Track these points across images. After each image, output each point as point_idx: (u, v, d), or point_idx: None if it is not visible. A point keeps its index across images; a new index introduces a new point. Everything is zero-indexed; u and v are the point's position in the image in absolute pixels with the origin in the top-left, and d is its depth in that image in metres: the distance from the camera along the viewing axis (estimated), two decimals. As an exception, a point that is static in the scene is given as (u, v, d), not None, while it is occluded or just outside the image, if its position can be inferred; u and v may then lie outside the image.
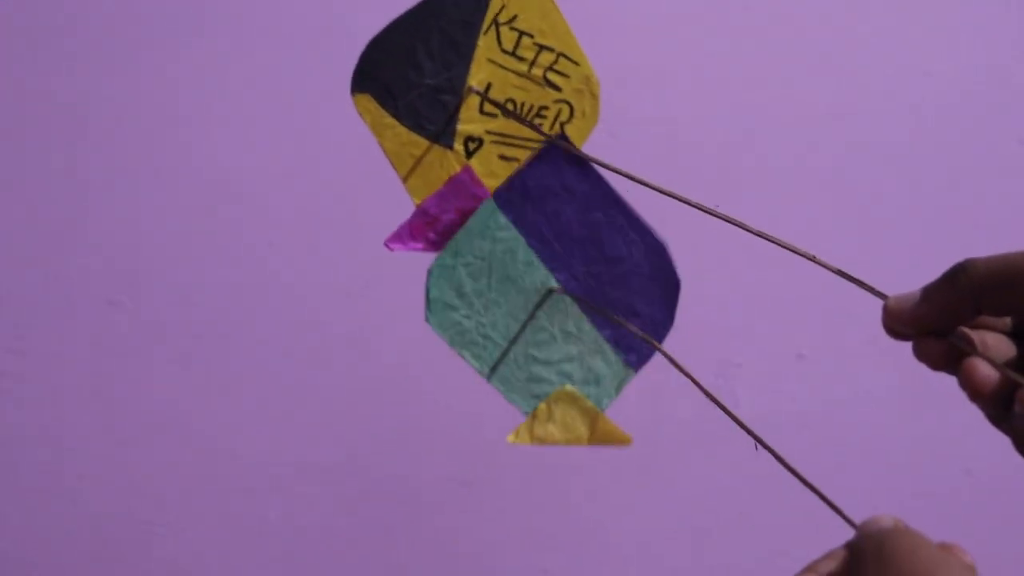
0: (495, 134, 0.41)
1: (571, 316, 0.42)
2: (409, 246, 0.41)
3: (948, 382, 0.92)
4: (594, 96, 0.40)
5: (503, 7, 0.39)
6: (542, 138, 0.40)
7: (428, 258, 0.41)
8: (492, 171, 0.41)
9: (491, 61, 0.40)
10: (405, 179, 0.41)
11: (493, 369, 0.42)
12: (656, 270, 0.41)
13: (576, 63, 0.40)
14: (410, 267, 0.81)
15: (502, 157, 0.41)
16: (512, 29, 0.39)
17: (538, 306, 0.42)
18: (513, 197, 0.41)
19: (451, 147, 0.41)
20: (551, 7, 0.39)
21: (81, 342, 0.79)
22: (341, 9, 0.77)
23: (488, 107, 0.40)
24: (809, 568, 0.34)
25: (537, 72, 0.40)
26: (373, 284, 0.80)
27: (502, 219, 0.41)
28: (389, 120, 0.40)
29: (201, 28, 0.78)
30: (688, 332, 0.83)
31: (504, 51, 0.39)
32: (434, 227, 0.41)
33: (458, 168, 0.41)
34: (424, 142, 0.40)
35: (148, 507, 0.82)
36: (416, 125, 0.40)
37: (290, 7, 0.79)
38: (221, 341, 0.80)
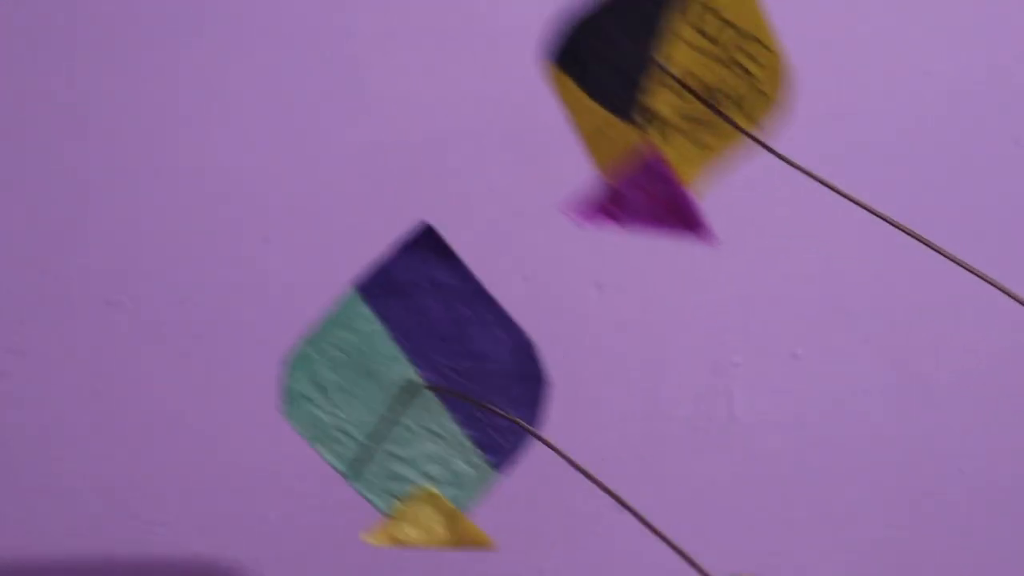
0: (685, 115, 0.41)
1: (434, 414, 0.40)
2: (592, 219, 0.41)
3: (945, 381, 0.93)
4: (782, 80, 0.40)
5: None
6: (733, 121, 0.40)
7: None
8: (681, 153, 0.41)
9: (683, 40, 0.40)
10: (592, 152, 0.41)
11: (351, 466, 0.40)
12: (522, 369, 0.40)
13: (767, 47, 0.40)
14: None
15: (691, 140, 0.41)
16: (707, 9, 0.39)
17: (401, 402, 0.40)
18: (378, 289, 0.39)
19: (640, 125, 0.41)
20: None
21: (81, 342, 0.78)
22: (341, 9, 0.78)
23: (678, 87, 0.41)
24: None
25: (724, 54, 0.40)
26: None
27: (366, 311, 0.40)
28: (580, 95, 0.40)
29: (201, 27, 0.78)
30: (683, 331, 0.83)
31: (696, 31, 0.40)
32: (619, 203, 0.41)
33: (646, 146, 0.41)
34: (614, 119, 0.41)
35: (148, 507, 0.80)
36: (604, 100, 0.41)
37: (290, 7, 0.78)
38: (221, 341, 0.79)
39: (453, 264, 0.39)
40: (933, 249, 0.41)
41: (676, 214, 0.42)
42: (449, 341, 0.40)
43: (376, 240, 0.78)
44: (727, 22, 0.40)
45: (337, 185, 0.79)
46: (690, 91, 0.41)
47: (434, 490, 0.40)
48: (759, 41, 0.40)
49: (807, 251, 0.84)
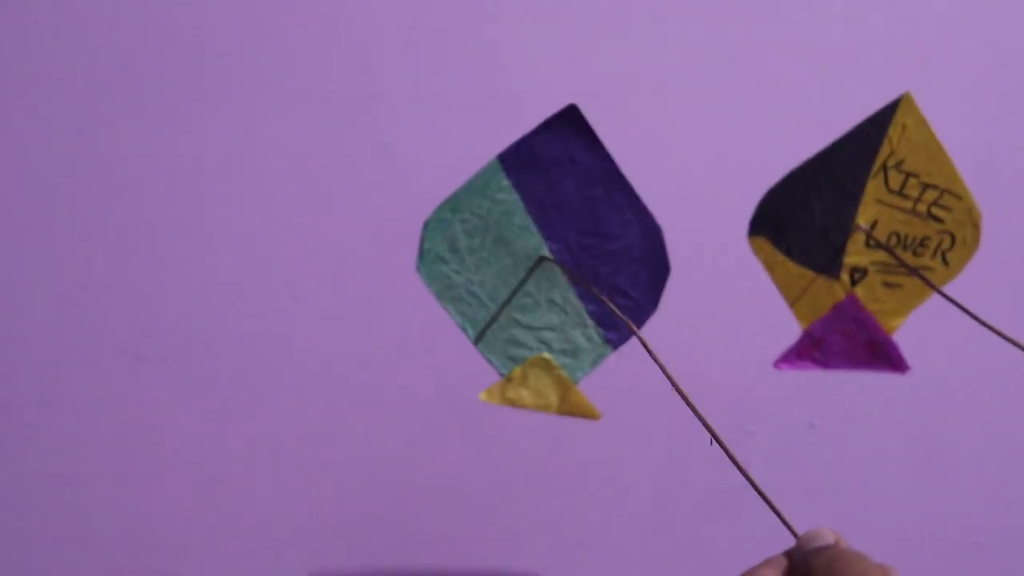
0: (879, 263, 0.45)
1: (558, 286, 0.42)
2: (797, 365, 0.46)
3: (961, 453, 0.92)
4: (975, 226, 0.44)
5: (891, 152, 0.43)
6: (927, 265, 0.45)
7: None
8: (875, 296, 0.45)
9: (878, 201, 0.44)
10: (792, 306, 0.46)
11: (475, 326, 0.42)
12: (648, 253, 0.41)
13: (959, 197, 0.44)
14: (431, 334, 0.80)
15: (885, 284, 0.45)
16: (899, 171, 0.43)
17: (529, 271, 0.42)
18: (519, 161, 0.41)
19: (837, 278, 0.45)
20: (937, 148, 0.43)
21: (107, 395, 0.81)
22: (370, 75, 0.79)
23: (879, 246, 0.45)
24: (748, 573, 0.35)
25: (922, 207, 0.44)
26: (391, 342, 0.82)
27: (504, 181, 0.42)
28: (780, 258, 0.45)
29: (231, 88, 0.79)
30: (700, 399, 0.84)
31: (891, 191, 0.44)
32: (819, 347, 0.46)
33: (842, 295, 0.45)
34: (811, 274, 0.45)
35: (170, 558, 0.84)
36: (805, 260, 0.45)
37: (322, 72, 0.79)
38: (246, 395, 0.82)
39: (593, 144, 0.41)
40: (973, 318, 0.43)
41: (875, 353, 0.46)
42: (580, 218, 0.41)
43: (402, 303, 0.79)
44: (926, 184, 0.43)
45: (364, 247, 0.80)
46: (891, 252, 0.44)
47: (550, 358, 0.42)
48: (954, 194, 0.43)
49: None
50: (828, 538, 0.35)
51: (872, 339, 0.45)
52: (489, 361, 0.42)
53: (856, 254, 0.45)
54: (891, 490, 0.86)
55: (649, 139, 0.82)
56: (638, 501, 0.86)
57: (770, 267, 0.45)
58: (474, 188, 0.42)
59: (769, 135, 0.82)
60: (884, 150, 0.43)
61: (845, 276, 0.45)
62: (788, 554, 0.35)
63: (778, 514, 0.37)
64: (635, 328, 0.41)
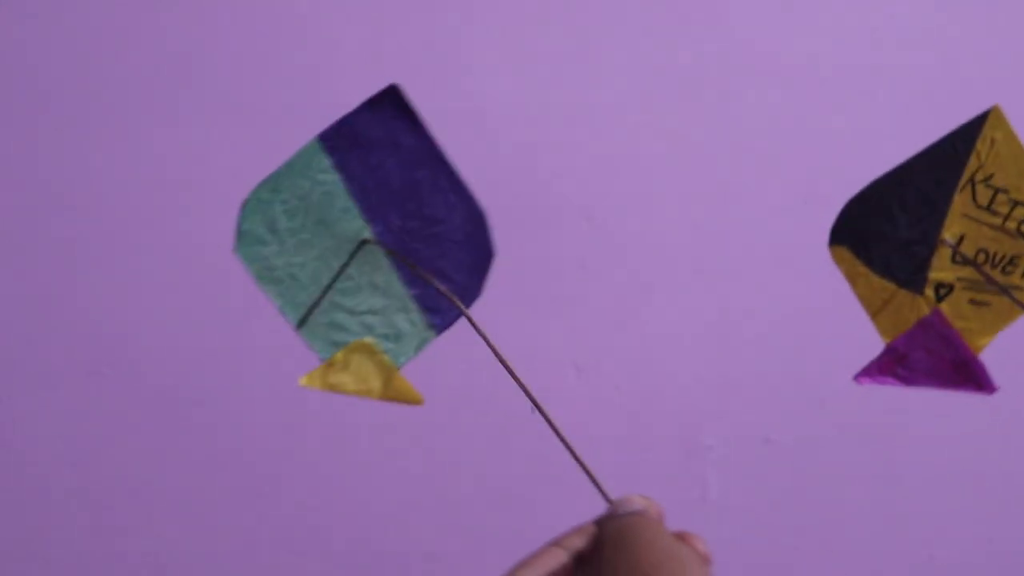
0: (966, 280, 0.44)
1: (381, 269, 0.41)
2: (878, 380, 0.45)
3: (915, 467, 0.94)
4: None
5: (980, 167, 0.42)
6: (1017, 284, 0.43)
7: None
8: (961, 314, 0.44)
9: (965, 215, 0.43)
10: (874, 318, 0.44)
11: (296, 310, 0.41)
12: (472, 237, 0.41)
13: None
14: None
15: (972, 302, 0.44)
16: (988, 186, 0.42)
17: (351, 255, 0.41)
18: (340, 141, 0.40)
19: (921, 293, 0.44)
20: None
21: (64, 410, 0.80)
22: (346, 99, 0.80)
23: (966, 262, 0.43)
24: (556, 542, 0.35)
25: (1011, 225, 0.43)
26: None
27: (325, 161, 0.40)
28: (862, 269, 0.44)
29: (201, 104, 0.79)
30: (658, 413, 0.84)
31: (979, 206, 0.42)
32: (903, 363, 0.44)
33: (927, 311, 0.44)
34: (893, 287, 0.44)
35: (127, 570, 0.82)
36: (887, 273, 0.44)
37: (295, 93, 0.79)
38: (205, 409, 0.80)
39: (415, 126, 0.40)
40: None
41: (961, 373, 0.45)
42: (403, 201, 0.41)
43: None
44: (1016, 201, 0.42)
45: None
46: (978, 269, 0.43)
47: (372, 343, 0.41)
48: None
49: (781, 339, 0.85)
50: (637, 504, 0.35)
51: (958, 358, 0.44)
52: (310, 345, 0.41)
53: (942, 269, 0.44)
54: (846, 504, 0.88)
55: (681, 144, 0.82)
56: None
57: (852, 278, 0.44)
58: (294, 168, 0.40)
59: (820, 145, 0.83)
60: (972, 164, 0.42)
61: (930, 291, 0.44)
62: (598, 522, 0.35)
63: (593, 480, 0.37)
64: (461, 305, 0.41)
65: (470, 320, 0.41)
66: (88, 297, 0.79)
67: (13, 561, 0.80)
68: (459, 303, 0.41)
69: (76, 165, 0.78)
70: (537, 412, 0.39)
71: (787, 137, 0.85)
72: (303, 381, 0.41)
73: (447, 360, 0.78)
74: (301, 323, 0.41)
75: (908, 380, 0.45)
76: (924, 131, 0.43)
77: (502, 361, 0.39)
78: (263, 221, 0.41)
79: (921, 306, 0.44)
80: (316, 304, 0.41)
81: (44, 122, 0.78)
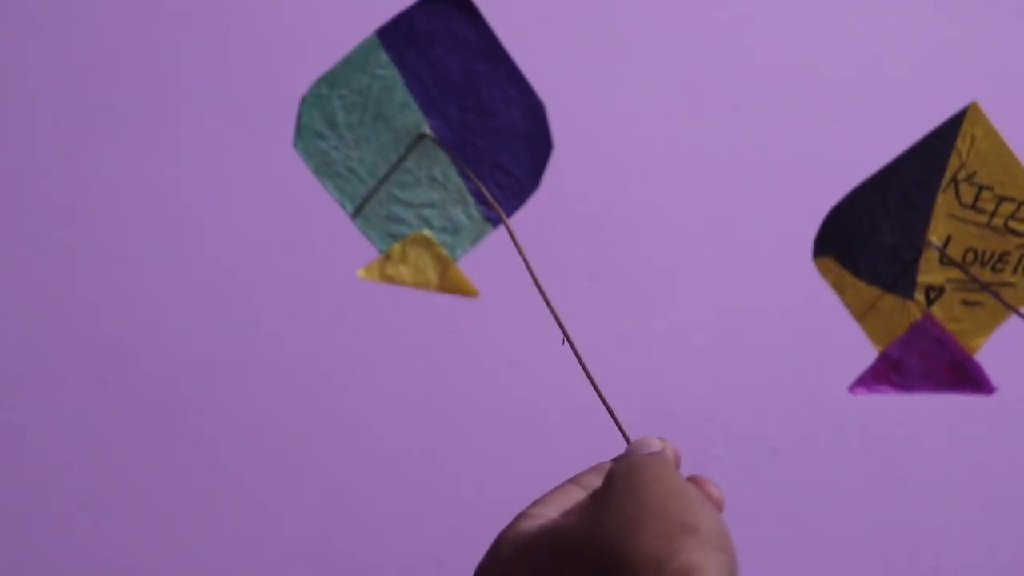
0: (956, 281, 0.43)
1: (439, 163, 0.42)
2: (874, 389, 0.44)
3: (920, 476, 0.94)
4: None
5: (962, 165, 0.41)
6: (1009, 281, 0.43)
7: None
8: (954, 315, 0.43)
9: (951, 216, 0.42)
10: (865, 328, 0.44)
11: (354, 203, 0.41)
12: (530, 130, 0.41)
13: None
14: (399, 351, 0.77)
15: (964, 302, 0.43)
16: (971, 184, 0.42)
17: (408, 148, 0.41)
18: (398, 36, 0.41)
19: (911, 297, 0.43)
20: (1011, 160, 0.41)
21: (71, 417, 0.80)
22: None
23: (953, 263, 0.43)
24: (573, 480, 0.34)
25: (998, 221, 0.42)
26: (359, 363, 0.81)
27: (384, 57, 0.41)
28: (849, 278, 0.43)
29: (202, 114, 0.79)
30: (665, 422, 0.84)
31: (964, 205, 0.42)
32: (897, 369, 0.44)
33: (919, 315, 0.43)
34: (883, 293, 0.43)
35: None
36: (875, 279, 0.43)
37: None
38: (209, 417, 0.81)
39: (474, 19, 0.41)
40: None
41: (958, 375, 0.44)
42: (462, 95, 0.41)
43: (370, 327, 0.79)
44: (1002, 196, 0.42)
45: (329, 273, 0.80)
46: (962, 270, 0.43)
47: (430, 235, 0.41)
48: None
49: (788, 349, 0.85)
50: (654, 445, 0.34)
51: (954, 360, 0.44)
52: (368, 238, 0.41)
53: (930, 272, 0.43)
54: (852, 513, 0.87)
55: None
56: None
57: (840, 288, 0.43)
58: (352, 63, 0.41)
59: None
60: (953, 163, 0.41)
61: (920, 295, 0.43)
62: (617, 460, 0.35)
63: (615, 419, 0.37)
64: (502, 213, 0.41)
65: (508, 228, 0.41)
66: (92, 304, 0.79)
67: (15, 567, 0.80)
68: (500, 211, 0.41)
69: (81, 171, 0.79)
70: (567, 344, 0.38)
71: (796, 146, 0.86)
72: (361, 273, 0.41)
73: (459, 367, 0.78)
74: (358, 214, 0.41)
75: (904, 387, 0.44)
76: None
77: (535, 280, 0.39)
78: (322, 116, 0.41)
79: (912, 310, 0.44)
80: (373, 196, 0.41)
81: (50, 129, 0.79)
